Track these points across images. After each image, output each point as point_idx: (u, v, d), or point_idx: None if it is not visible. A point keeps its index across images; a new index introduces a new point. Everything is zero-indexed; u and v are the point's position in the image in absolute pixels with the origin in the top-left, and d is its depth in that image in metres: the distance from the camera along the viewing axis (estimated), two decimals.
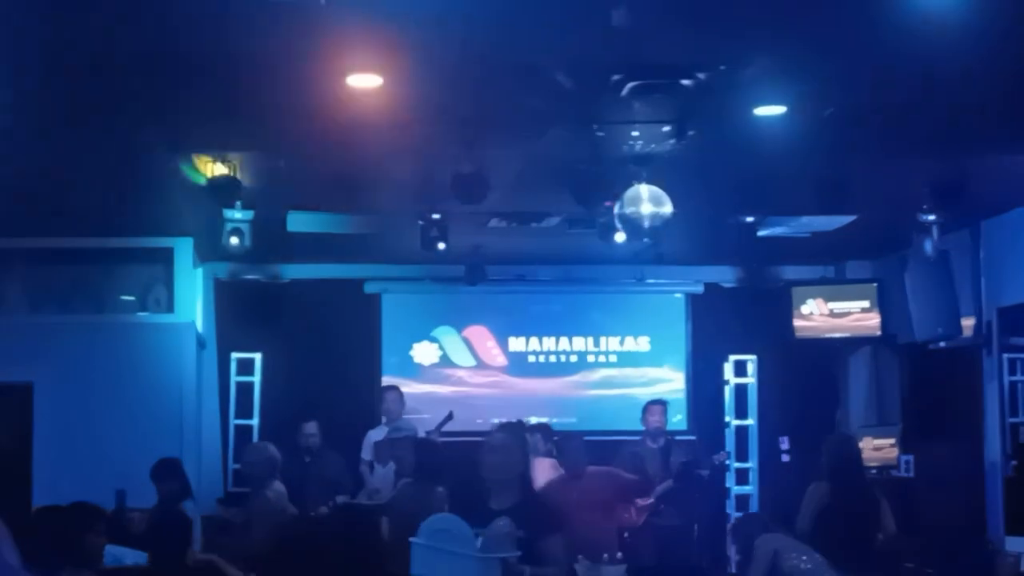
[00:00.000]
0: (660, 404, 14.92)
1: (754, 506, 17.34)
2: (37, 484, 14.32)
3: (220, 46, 8.36)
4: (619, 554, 10.23)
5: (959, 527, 14.05)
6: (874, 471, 15.66)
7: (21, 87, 9.11)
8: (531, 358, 17.58)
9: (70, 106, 9.78)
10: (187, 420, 15.11)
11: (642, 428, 14.82)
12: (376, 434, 14.99)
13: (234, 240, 12.63)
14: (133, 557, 10.69)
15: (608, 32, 8.22)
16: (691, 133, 10.15)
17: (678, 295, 17.62)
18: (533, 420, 15.28)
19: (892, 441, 15.90)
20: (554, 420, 15.43)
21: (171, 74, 8.99)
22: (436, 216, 13.11)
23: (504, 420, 15.48)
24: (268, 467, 11.82)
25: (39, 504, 13.47)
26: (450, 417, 14.77)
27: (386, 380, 16.65)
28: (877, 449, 15.83)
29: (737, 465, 17.42)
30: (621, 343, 17.63)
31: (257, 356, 16.71)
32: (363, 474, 14.89)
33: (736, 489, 17.45)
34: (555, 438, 13.52)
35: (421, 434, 14.25)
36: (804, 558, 10.17)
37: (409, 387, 16.46)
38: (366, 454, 14.97)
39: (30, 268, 15.19)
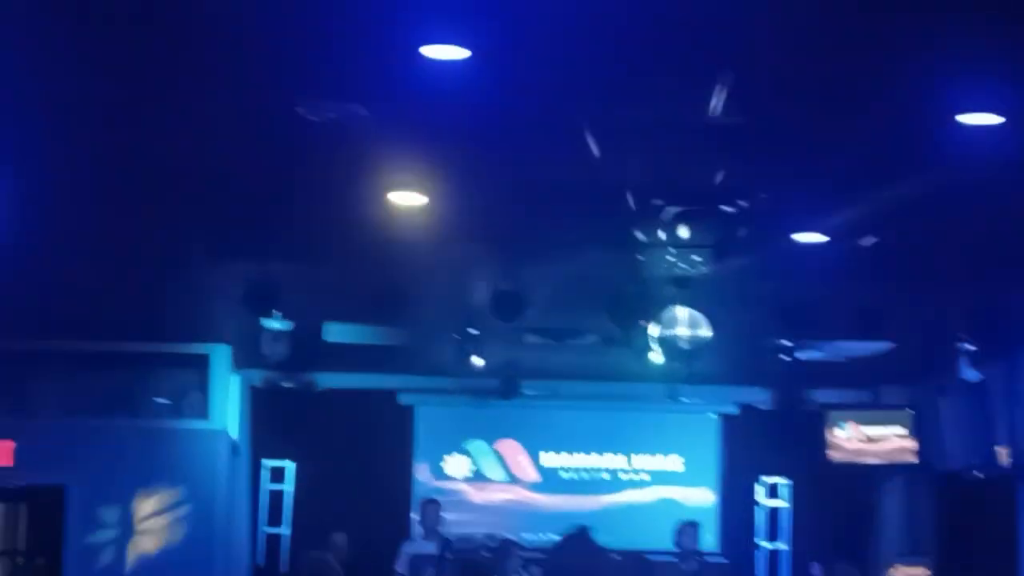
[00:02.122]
0: (692, 525, 14.81)
1: None
2: None
3: (265, 160, 8.48)
4: None
5: None
6: None
7: (66, 188, 9.20)
8: (563, 474, 17.52)
9: (114, 211, 9.87)
10: (218, 526, 15.07)
11: (674, 547, 14.70)
12: (411, 547, 14.88)
13: (271, 349, 12.70)
14: None
15: (650, 157, 8.32)
16: (730, 258, 10.17)
17: (712, 415, 17.56)
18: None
19: (925, 571, 15.74)
20: None
21: (216, 185, 9.11)
22: (472, 331, 13.14)
23: (534, 535, 15.54)
24: None
25: None
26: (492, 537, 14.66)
27: (417, 492, 16.61)
28: None
29: None
30: (653, 460, 17.55)
31: (290, 464, 16.69)
32: None
33: None
34: None
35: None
36: None
37: (440, 499, 16.41)
38: (401, 567, 14.81)
39: (66, 371, 15.22)
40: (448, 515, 15.93)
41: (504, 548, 13.98)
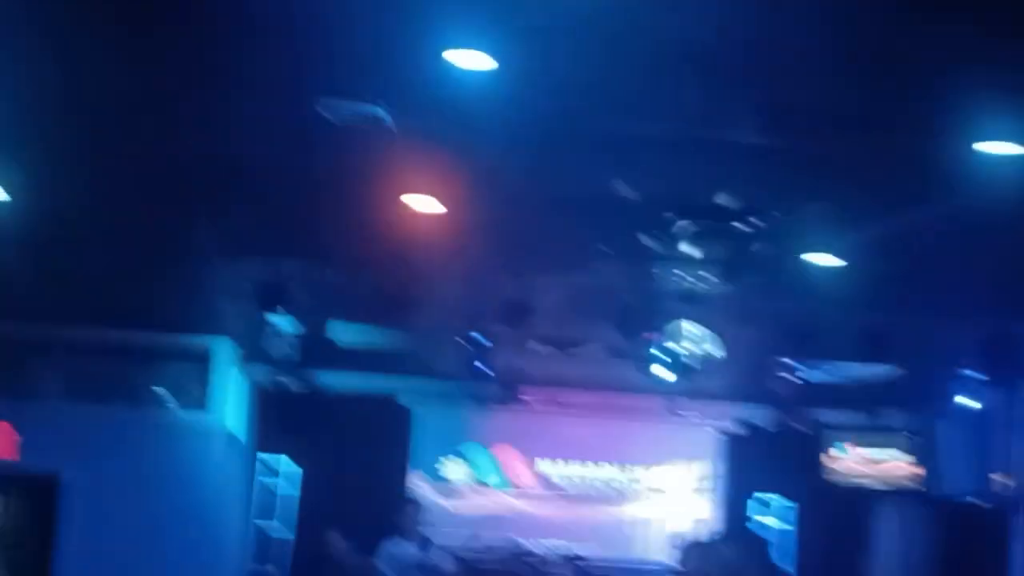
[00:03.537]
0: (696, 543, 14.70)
1: None
2: None
3: (281, 157, 8.48)
4: None
5: None
6: None
7: (78, 178, 9.20)
8: (559, 481, 17.46)
9: (126, 201, 9.87)
10: (212, 521, 15.03)
11: (667, 561, 14.65)
12: (392, 547, 14.75)
13: (274, 345, 12.72)
14: None
15: (666, 173, 8.32)
16: (740, 275, 10.19)
17: (711, 430, 17.50)
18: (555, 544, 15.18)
19: None
20: (578, 545, 15.30)
21: (231, 180, 9.11)
22: (476, 336, 13.14)
23: (528, 541, 15.53)
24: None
25: None
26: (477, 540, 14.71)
27: (413, 493, 16.57)
28: None
29: None
30: (650, 473, 17.49)
31: (285, 460, 16.65)
32: None
33: None
34: None
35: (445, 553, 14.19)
36: None
37: (435, 502, 16.38)
38: (384, 567, 14.64)
39: (68, 357, 15.19)
40: (443, 518, 15.93)
41: (546, 558, 13.98)
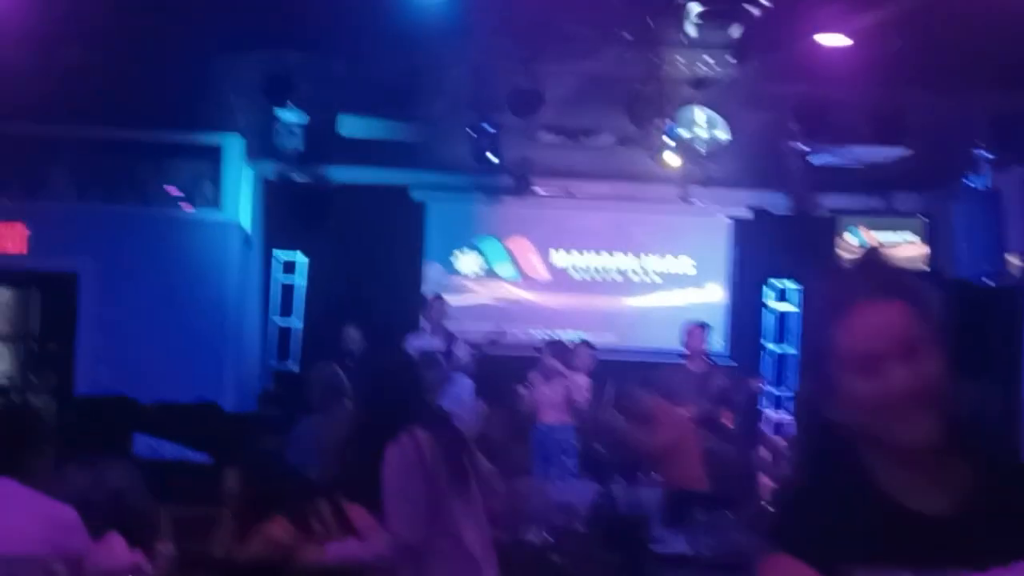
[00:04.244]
0: (701, 326, 14.75)
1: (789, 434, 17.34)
2: (80, 374, 14.44)
3: None
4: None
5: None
6: None
7: None
8: (572, 272, 17.53)
9: None
10: (229, 317, 15.16)
11: (682, 348, 14.75)
12: (417, 342, 14.90)
13: (284, 140, 12.69)
14: (172, 451, 10.79)
15: None
16: (750, 58, 10.10)
17: (723, 217, 17.50)
18: (571, 334, 15.30)
19: None
20: (593, 335, 15.42)
21: None
22: (487, 127, 13.09)
23: (542, 331, 15.68)
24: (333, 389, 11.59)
25: (81, 393, 13.75)
26: (501, 334, 14.83)
27: (428, 287, 16.67)
28: None
29: (775, 392, 17.35)
30: (663, 262, 17.55)
31: (301, 257, 16.74)
32: None
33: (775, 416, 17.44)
34: None
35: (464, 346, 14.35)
36: None
37: (450, 296, 16.47)
38: None
39: (81, 157, 15.19)
40: (458, 311, 16.03)
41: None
